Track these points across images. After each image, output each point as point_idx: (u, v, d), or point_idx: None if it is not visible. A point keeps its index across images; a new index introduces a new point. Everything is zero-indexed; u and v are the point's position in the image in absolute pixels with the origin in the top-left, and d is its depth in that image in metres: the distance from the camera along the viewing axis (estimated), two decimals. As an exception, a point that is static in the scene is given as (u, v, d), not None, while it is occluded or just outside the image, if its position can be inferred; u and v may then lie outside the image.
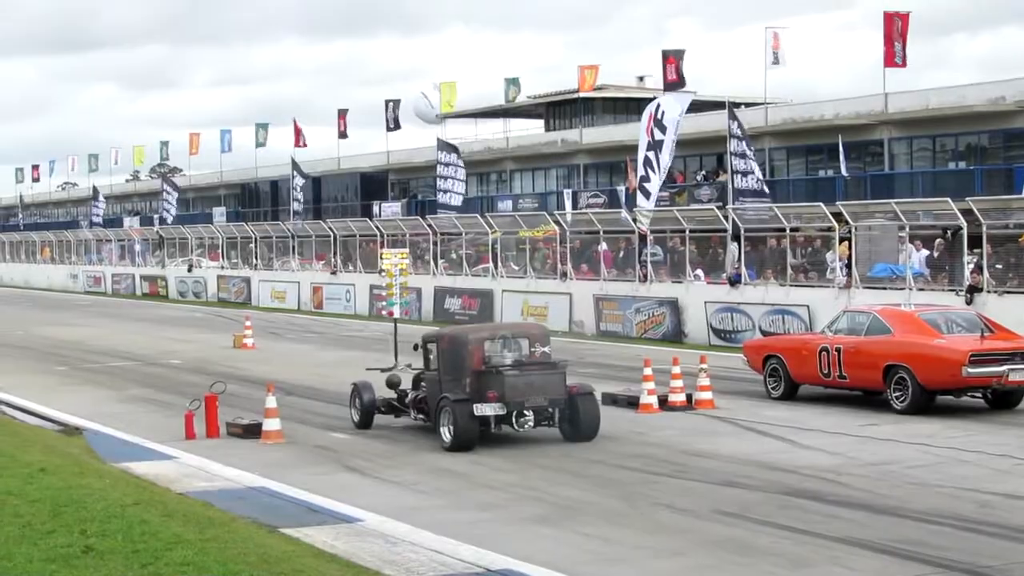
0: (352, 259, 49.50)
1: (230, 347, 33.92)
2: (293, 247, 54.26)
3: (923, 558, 11.21)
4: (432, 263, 44.54)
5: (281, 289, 52.92)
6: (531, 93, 71.00)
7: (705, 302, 32.97)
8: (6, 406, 22.62)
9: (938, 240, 28.97)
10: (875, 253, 30.13)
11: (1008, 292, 26.44)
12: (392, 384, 19.43)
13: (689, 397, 20.96)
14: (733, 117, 34.36)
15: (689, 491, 14.49)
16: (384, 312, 26.24)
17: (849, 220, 29.93)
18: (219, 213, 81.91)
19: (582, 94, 63.92)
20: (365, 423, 19.52)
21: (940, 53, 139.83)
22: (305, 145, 72.41)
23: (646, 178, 35.74)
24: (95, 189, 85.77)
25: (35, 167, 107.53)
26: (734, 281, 32.57)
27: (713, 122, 47.48)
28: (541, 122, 71.83)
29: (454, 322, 37.89)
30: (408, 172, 73.61)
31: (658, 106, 35.81)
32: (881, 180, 47.72)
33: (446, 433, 17.44)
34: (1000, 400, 20.25)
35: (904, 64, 44.71)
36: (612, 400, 21.14)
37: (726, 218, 33.98)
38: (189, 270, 61.96)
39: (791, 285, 31.17)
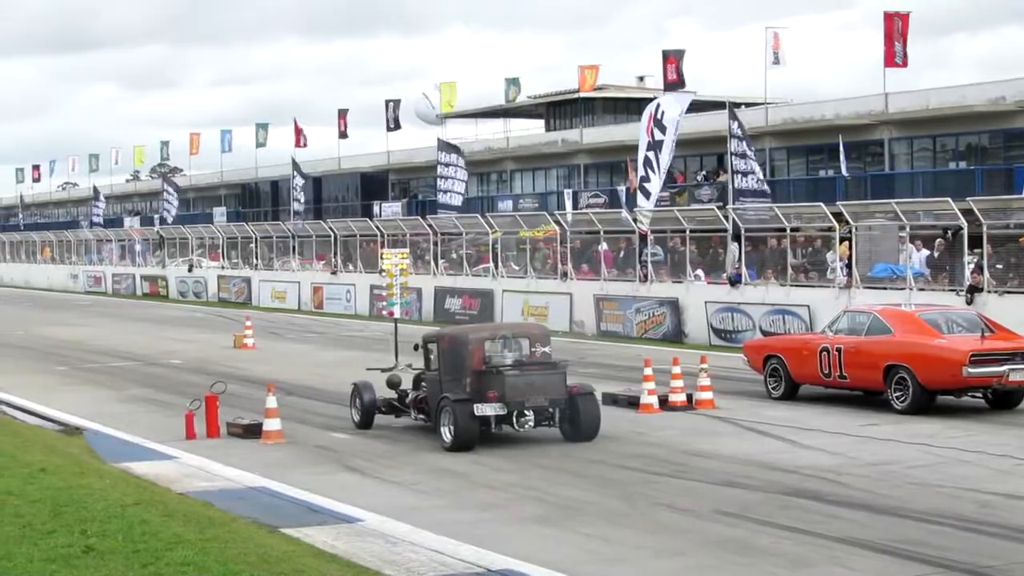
0: (352, 259, 49.50)
1: (230, 347, 33.92)
2: (293, 247, 54.27)
3: (924, 558, 11.21)
4: (432, 263, 44.55)
5: (281, 289, 52.93)
6: (531, 93, 71.07)
7: (705, 302, 32.97)
8: (6, 406, 22.62)
9: (938, 240, 28.97)
10: (875, 253, 30.13)
11: (1008, 292, 26.44)
12: (392, 384, 19.42)
13: (689, 397, 20.96)
14: (733, 117, 34.37)
15: (689, 491, 14.48)
16: (384, 312, 26.23)
17: (849, 220, 29.93)
18: (219, 213, 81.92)
19: (582, 94, 63.91)
20: (365, 423, 19.52)
21: (940, 53, 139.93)
22: (305, 145, 72.49)
23: (646, 178, 35.77)
24: (95, 189, 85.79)
25: (35, 167, 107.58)
26: (734, 281, 32.57)
27: (713, 122, 47.47)
28: (541, 122, 71.83)
29: (454, 322, 37.88)
30: (408, 172, 73.62)
31: (658, 106, 35.84)
32: (881, 180, 47.72)
33: (446, 433, 17.44)
34: (1000, 400, 20.24)
35: (905, 64, 44.71)
36: (612, 400, 21.14)
37: (726, 218, 33.98)
38: (189, 270, 61.96)
39: (791, 285, 31.17)
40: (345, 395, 20.49)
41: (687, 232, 34.84)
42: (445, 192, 47.76)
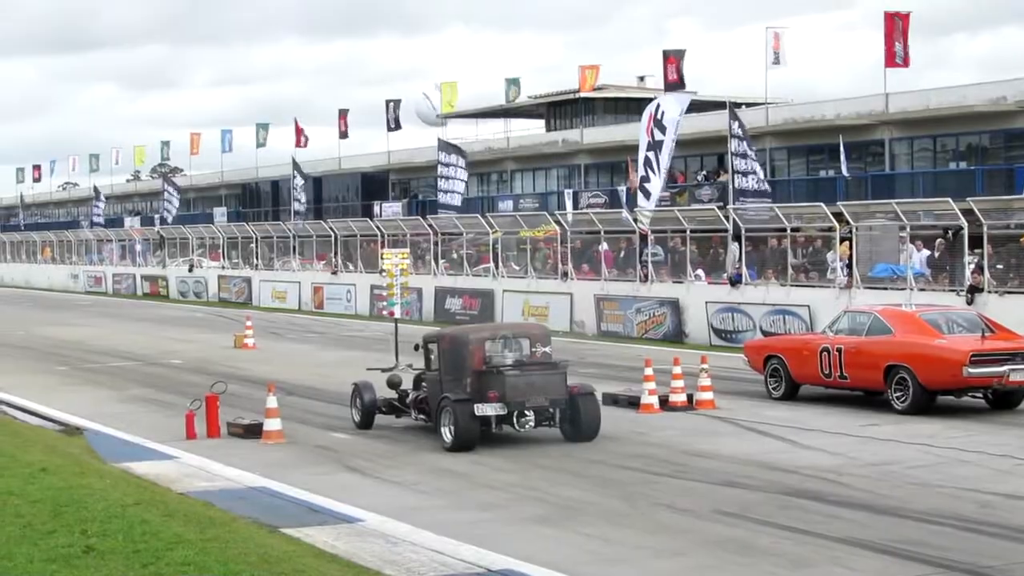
0: (353, 259, 49.50)
1: (231, 347, 33.92)
2: (294, 247, 54.28)
3: (924, 558, 11.21)
4: (433, 263, 44.55)
5: (282, 289, 52.93)
6: (532, 93, 71.09)
7: (706, 302, 32.97)
8: (7, 406, 22.63)
9: (939, 240, 28.97)
10: (876, 253, 30.13)
11: (1009, 292, 26.44)
12: (393, 384, 19.42)
13: (690, 397, 20.96)
14: (734, 117, 34.37)
15: (690, 491, 14.49)
16: (385, 312, 26.23)
17: (850, 220, 29.93)
18: (220, 213, 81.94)
19: (583, 94, 63.92)
20: (366, 423, 19.52)
21: (940, 53, 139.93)
22: (306, 145, 72.50)
23: (646, 178, 35.80)
24: (96, 189, 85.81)
25: (36, 167, 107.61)
26: (735, 281, 32.57)
27: (714, 122, 47.49)
28: (542, 122, 71.84)
29: (455, 322, 37.88)
30: (409, 172, 73.64)
31: (658, 106, 35.86)
32: (882, 180, 47.73)
33: (447, 433, 17.44)
34: (1001, 400, 20.24)
35: (906, 64, 44.70)
36: (613, 400, 21.14)
37: (727, 218, 33.97)
38: (190, 270, 61.97)
39: (792, 285, 31.17)
40: (345, 395, 20.50)
41: (687, 232, 34.84)
42: (445, 192, 47.79)
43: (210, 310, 52.13)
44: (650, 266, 35.65)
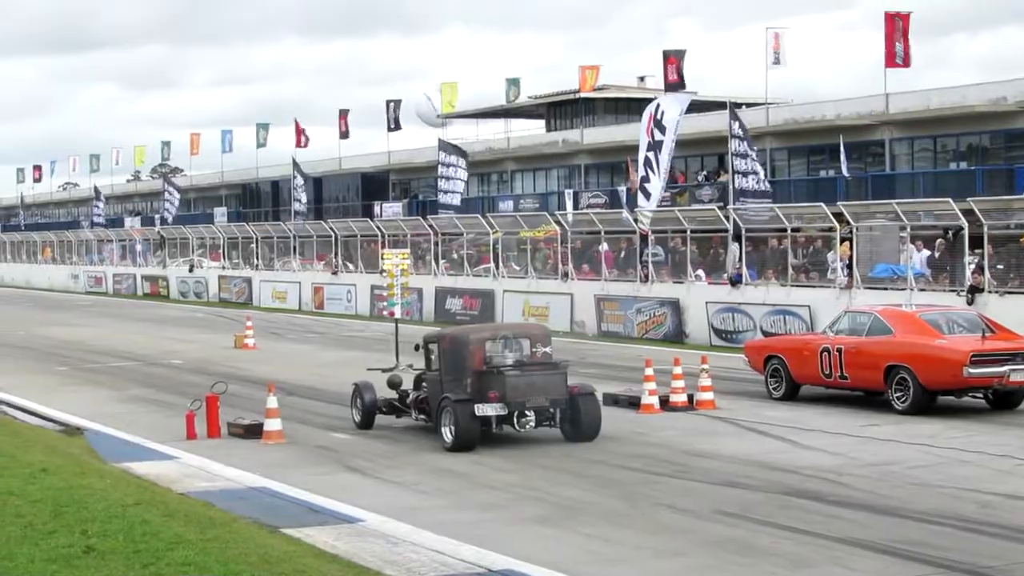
0: (353, 259, 49.50)
1: (231, 347, 33.93)
2: (294, 247, 54.28)
3: (924, 558, 11.21)
4: (433, 263, 44.55)
5: (282, 289, 52.93)
6: (532, 93, 71.11)
7: (706, 302, 32.97)
8: (7, 406, 22.63)
9: (939, 240, 28.97)
10: (876, 253, 30.13)
11: (1009, 292, 26.44)
12: (393, 384, 19.42)
13: (690, 397, 20.96)
14: (734, 117, 34.37)
15: (690, 491, 14.49)
16: (385, 312, 26.23)
17: (850, 220, 29.93)
18: (220, 213, 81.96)
19: (583, 94, 63.91)
20: (366, 423, 19.53)
21: (941, 53, 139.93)
22: (307, 145, 72.49)
23: (646, 178, 35.82)
24: (96, 189, 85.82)
25: (36, 167, 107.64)
26: (735, 281, 32.57)
27: (714, 122, 47.50)
28: (542, 122, 71.85)
29: (455, 322, 37.89)
30: (409, 172, 73.64)
31: (658, 106, 35.90)
32: (882, 180, 47.73)
33: (447, 433, 17.44)
34: (1001, 400, 20.24)
35: (907, 64, 44.70)
36: (613, 400, 21.14)
37: (727, 218, 33.97)
38: (190, 270, 61.97)
39: (792, 285, 31.17)
40: (346, 395, 20.50)
41: (688, 232, 34.84)
42: (446, 192, 47.84)
43: (210, 310, 52.14)
44: (650, 266, 35.65)
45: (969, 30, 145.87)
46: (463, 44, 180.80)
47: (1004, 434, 18.06)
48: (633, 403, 20.93)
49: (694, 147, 53.29)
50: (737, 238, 33.47)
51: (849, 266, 29.69)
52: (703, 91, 55.50)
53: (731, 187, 34.41)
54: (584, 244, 39.25)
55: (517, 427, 17.58)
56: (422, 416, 18.98)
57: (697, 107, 48.95)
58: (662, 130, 35.25)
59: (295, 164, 60.49)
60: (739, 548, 11.76)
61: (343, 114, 71.82)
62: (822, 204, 32.53)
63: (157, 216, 78.21)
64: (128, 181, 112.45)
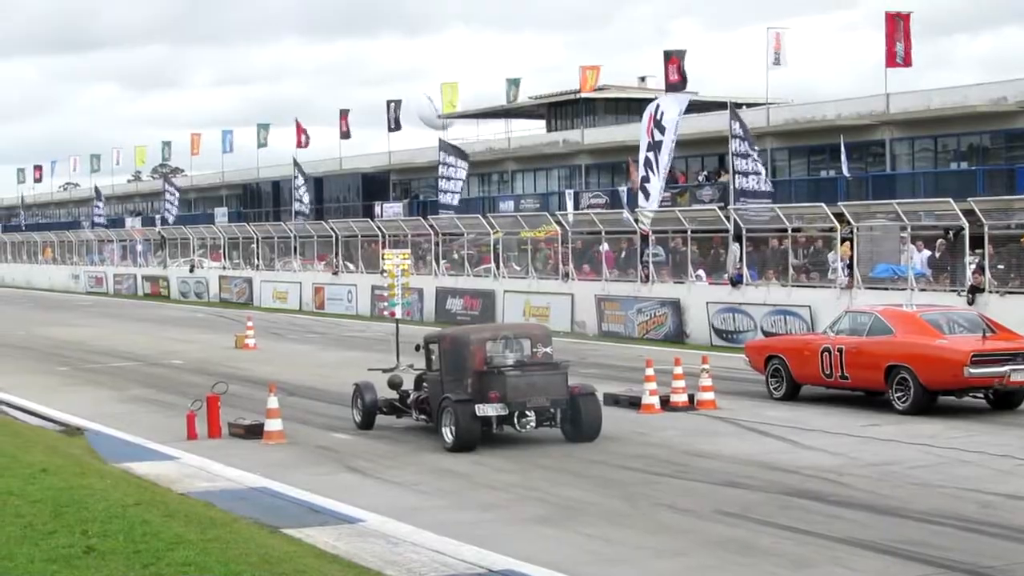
0: (354, 259, 49.51)
1: (232, 347, 33.93)
2: (295, 247, 54.29)
3: (925, 559, 11.21)
4: (434, 263, 44.55)
5: (283, 289, 52.94)
6: (532, 93, 71.12)
7: (707, 302, 32.97)
8: (7, 406, 22.63)
9: (940, 240, 28.96)
10: (877, 253, 30.12)
11: (1010, 292, 26.44)
12: (394, 385, 19.42)
13: (691, 397, 20.95)
14: (735, 117, 34.38)
15: (691, 491, 14.48)
16: (386, 312, 26.24)
17: (851, 220, 29.92)
18: (221, 213, 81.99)
19: (583, 94, 63.93)
20: (367, 424, 19.52)
21: (941, 53, 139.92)
22: (307, 145, 72.49)
23: (646, 179, 35.84)
24: (97, 189, 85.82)
25: (37, 167, 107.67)
26: (736, 281, 32.56)
27: (715, 122, 47.50)
28: (543, 122, 71.88)
29: (456, 323, 37.89)
30: (410, 172, 73.65)
31: (657, 107, 35.96)
32: (883, 180, 47.73)
33: (448, 433, 17.44)
34: (1002, 400, 20.23)
35: (908, 63, 44.69)
36: (614, 400, 21.14)
37: (728, 218, 33.97)
38: (191, 270, 61.98)
39: (793, 285, 31.17)
40: (346, 396, 20.50)
41: (688, 232, 34.84)
42: (446, 192, 47.89)
43: (211, 310, 52.14)
44: (651, 266, 35.64)
45: (970, 30, 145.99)
46: (464, 44, 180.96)
47: (1005, 434, 18.05)
48: (634, 403, 20.93)
49: (695, 147, 53.29)
50: (738, 238, 33.47)
51: (850, 266, 29.69)
52: (704, 91, 55.56)
53: (731, 187, 34.42)
54: (585, 244, 39.25)
55: (518, 427, 17.57)
56: (423, 416, 18.98)
57: (698, 107, 49.00)
58: (662, 130, 35.27)
59: (296, 164, 60.50)
60: (740, 548, 11.76)
61: (343, 114, 71.87)
62: (823, 204, 32.53)
63: (158, 216, 78.22)
64: (129, 181, 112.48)
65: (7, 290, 76.30)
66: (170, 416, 20.98)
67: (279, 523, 12.74)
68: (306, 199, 58.92)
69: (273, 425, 18.57)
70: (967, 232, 27.29)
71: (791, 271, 31.43)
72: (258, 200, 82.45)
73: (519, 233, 41.38)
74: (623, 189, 51.50)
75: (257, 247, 57.28)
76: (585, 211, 47.71)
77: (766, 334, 29.81)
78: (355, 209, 68.70)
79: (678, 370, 21.16)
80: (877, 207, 32.91)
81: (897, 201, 30.89)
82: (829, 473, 15.31)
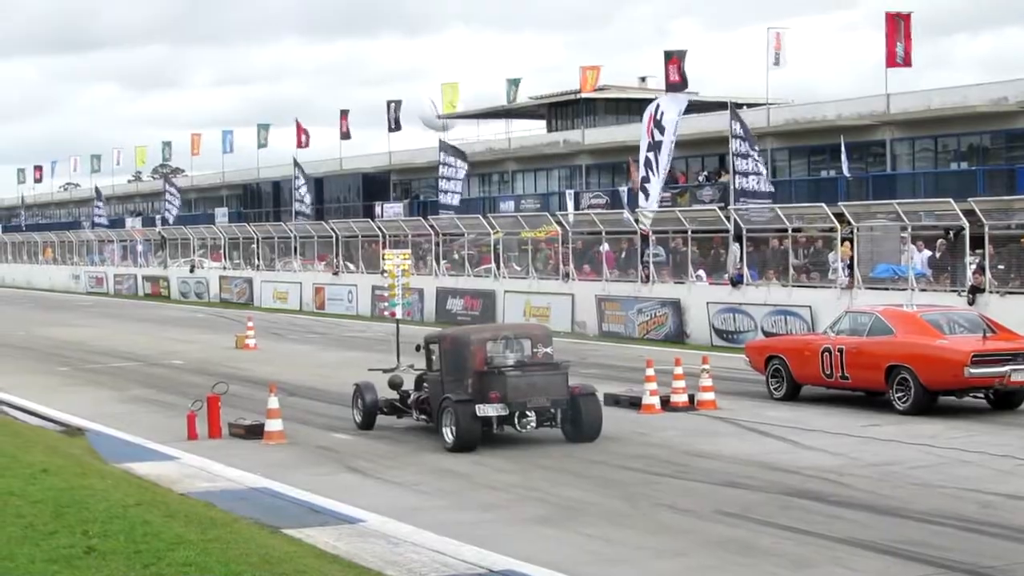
0: (354, 260, 49.51)
1: (232, 348, 33.93)
2: (295, 248, 54.29)
3: (925, 559, 11.21)
4: (434, 264, 44.55)
5: (283, 290, 52.94)
6: (533, 94, 71.12)
7: (707, 303, 32.97)
8: (8, 406, 22.63)
9: (940, 241, 28.97)
10: (877, 254, 30.13)
11: (1010, 293, 26.44)
12: (394, 385, 19.42)
13: (691, 398, 20.95)
14: (735, 117, 34.38)
15: (691, 492, 14.49)
16: (386, 313, 26.23)
17: (851, 220, 29.92)
18: (221, 213, 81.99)
19: (584, 95, 63.93)
20: (367, 424, 19.52)
21: (942, 53, 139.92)
22: (307, 145, 72.48)
23: (647, 179, 35.86)
24: (97, 190, 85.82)
25: (37, 168, 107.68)
26: (736, 282, 32.56)
27: (715, 123, 47.50)
28: (543, 123, 71.87)
29: (456, 323, 37.89)
30: (410, 173, 73.65)
31: (657, 107, 35.97)
32: (883, 180, 47.73)
33: (448, 434, 17.44)
34: (1002, 401, 20.24)
35: (908, 63, 44.69)
36: (614, 401, 21.14)
37: (728, 218, 33.97)
38: (191, 271, 61.99)
39: (793, 286, 31.17)
40: (347, 396, 20.50)
41: (689, 233, 34.85)
42: (446, 192, 47.92)
43: (211, 311, 52.14)
44: (651, 267, 35.64)
45: (970, 30, 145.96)
46: (464, 44, 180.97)
47: (1005, 434, 18.05)
48: (634, 403, 20.93)
49: (695, 147, 53.30)
50: (738, 238, 33.48)
51: (850, 266, 29.69)
52: (704, 91, 55.60)
53: (732, 187, 34.42)
54: (585, 244, 39.26)
55: (518, 427, 17.58)
56: (423, 416, 18.98)
57: (698, 107, 49.02)
58: (661, 130, 35.29)
59: (296, 164, 60.50)
60: (740, 548, 11.76)
61: (344, 115, 71.86)
62: (823, 204, 32.53)
63: (158, 216, 78.23)
64: (129, 181, 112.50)
65: (7, 290, 76.32)
66: (170, 416, 20.99)
67: (279, 523, 12.74)
68: (307, 199, 58.92)
69: (273, 425, 18.57)
70: (967, 232, 27.29)
71: (791, 271, 31.44)
72: (258, 200, 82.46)
73: (519, 233, 41.39)
74: (623, 189, 51.50)
75: (257, 247, 57.28)
76: (585, 211, 47.72)
77: (766, 334, 29.81)
78: (355, 209, 68.70)
79: (678, 370, 21.17)
80: (877, 207, 32.91)
81: (897, 201, 30.90)
82: (829, 473, 15.31)
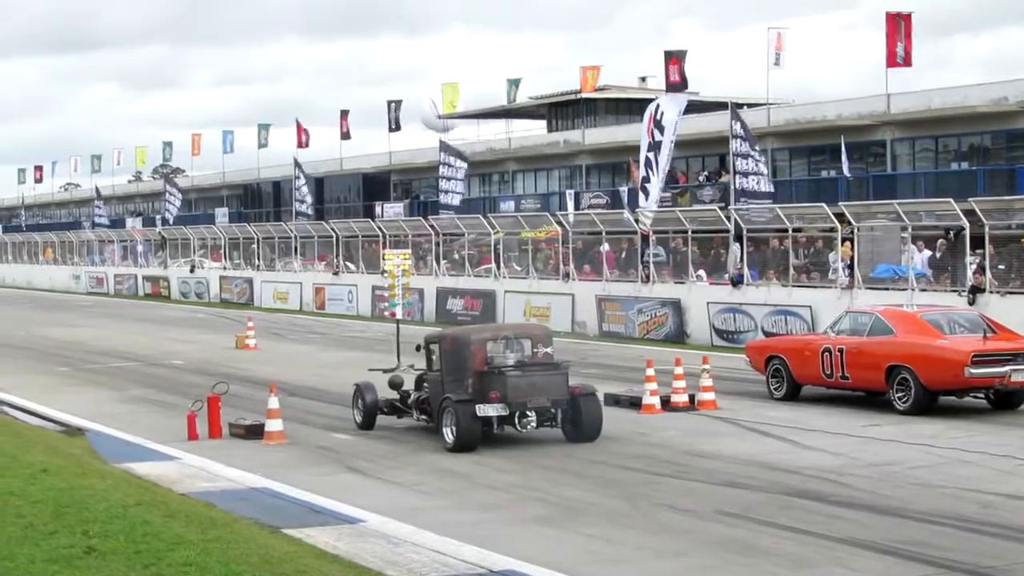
0: (354, 260, 49.51)
1: (232, 348, 33.93)
2: (295, 248, 54.29)
3: (925, 559, 11.21)
4: (434, 264, 44.56)
5: (283, 290, 52.94)
6: (533, 94, 71.11)
7: (707, 303, 32.97)
8: (8, 406, 22.63)
9: (940, 241, 28.96)
10: (877, 254, 30.13)
11: (1010, 293, 26.44)
12: (394, 385, 19.42)
13: (691, 398, 20.95)
14: (736, 117, 34.39)
15: (691, 492, 14.48)
16: (386, 313, 26.24)
17: (851, 220, 29.92)
18: (221, 214, 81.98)
19: (584, 95, 63.91)
20: (367, 424, 19.52)
21: (942, 54, 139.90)
22: (307, 145, 72.48)
23: (647, 178, 35.87)
24: (97, 190, 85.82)
25: (38, 168, 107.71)
26: (736, 282, 32.56)
27: (715, 123, 47.49)
28: (543, 123, 71.86)
29: (456, 323, 37.89)
30: (410, 173, 73.64)
31: (657, 107, 35.99)
32: (883, 180, 47.72)
33: (448, 434, 17.44)
34: (1002, 401, 20.23)
35: (908, 64, 44.68)
36: (614, 401, 21.14)
37: (728, 218, 33.97)
38: (192, 271, 61.99)
39: (793, 286, 31.17)
40: (347, 396, 20.50)
41: (689, 233, 34.85)
42: (446, 192, 47.93)
43: (212, 311, 52.15)
44: (651, 267, 35.64)
45: (970, 30, 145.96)
46: (464, 44, 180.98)
47: (1005, 434, 18.05)
48: (634, 403, 20.93)
49: (695, 147, 53.29)
50: (738, 238, 33.48)
51: (850, 266, 29.69)
52: (704, 91, 55.57)
53: (732, 187, 34.43)
54: (585, 244, 39.26)
55: (518, 427, 17.57)
56: (423, 417, 18.98)
57: (698, 107, 49.01)
58: (661, 130, 35.30)
59: (297, 164, 60.50)
60: (740, 548, 11.76)
61: (344, 115, 71.86)
62: (823, 204, 32.52)
63: (158, 216, 78.23)
64: (129, 182, 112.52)
65: (8, 290, 76.33)
66: (171, 416, 20.99)
67: (280, 523, 12.74)
68: (309, 199, 58.92)
69: (274, 425, 18.57)
70: (968, 232, 27.28)
71: (792, 271, 31.44)
72: (259, 200, 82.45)
73: (520, 233, 41.39)
74: (624, 189, 51.48)
75: (258, 247, 57.28)
76: (586, 211, 47.72)
77: (767, 334, 29.82)
78: (356, 209, 68.67)
79: (679, 370, 21.17)
80: (878, 207, 32.91)
81: (898, 201, 30.90)
82: (830, 473, 15.31)
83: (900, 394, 19.96)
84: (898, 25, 44.25)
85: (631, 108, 62.47)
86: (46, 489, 13.11)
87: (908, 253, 28.67)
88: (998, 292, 26.44)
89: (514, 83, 66.37)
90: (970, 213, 27.05)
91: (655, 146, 35.42)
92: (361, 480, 15.80)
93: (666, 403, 20.79)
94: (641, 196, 36.29)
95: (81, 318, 48.66)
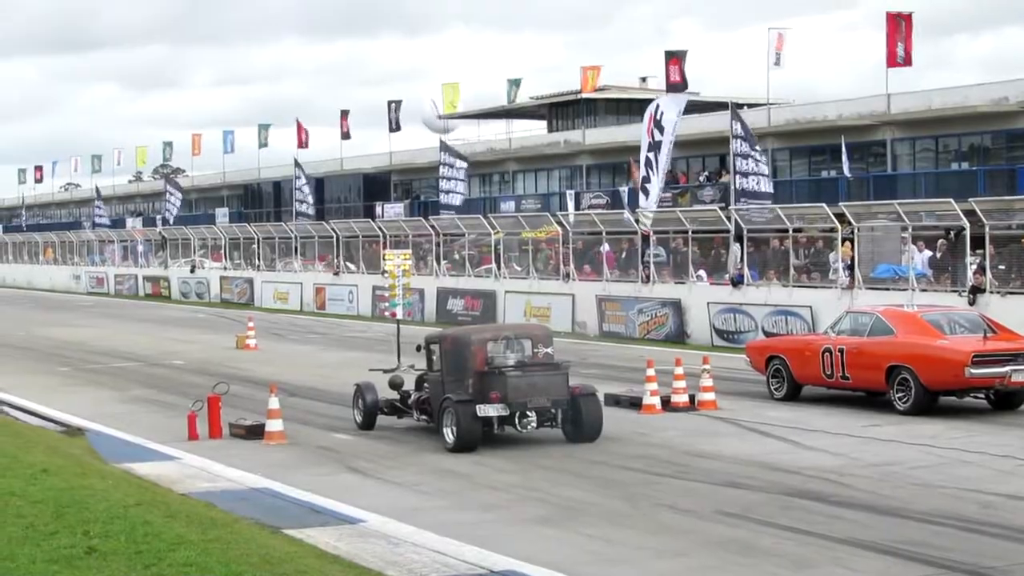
0: (355, 260, 49.51)
1: (233, 348, 33.94)
2: (296, 248, 54.29)
3: (926, 559, 11.21)
4: (435, 264, 44.56)
5: (284, 290, 52.94)
6: (533, 94, 71.13)
7: (708, 303, 32.97)
8: (8, 407, 22.63)
9: (941, 241, 28.96)
10: (878, 254, 30.13)
11: (1011, 293, 26.44)
12: (395, 385, 19.42)
13: (692, 398, 20.95)
14: (736, 117, 34.39)
15: (691, 492, 14.49)
16: (387, 313, 26.23)
17: (852, 221, 29.92)
18: (222, 214, 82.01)
19: (584, 95, 63.93)
20: (368, 424, 19.52)
21: (942, 54, 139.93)
22: (307, 145, 72.48)
23: (647, 179, 35.87)
24: (97, 190, 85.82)
25: (38, 168, 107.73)
26: (737, 282, 32.56)
27: (716, 123, 47.51)
28: (544, 123, 71.88)
29: (457, 323, 37.89)
30: (411, 173, 73.66)
31: (657, 107, 36.01)
32: (884, 181, 47.73)
33: (449, 434, 17.44)
34: (1003, 401, 20.23)
35: (909, 63, 44.69)
36: (615, 401, 21.14)
37: (728, 219, 33.97)
38: (192, 271, 62.00)
39: (794, 286, 31.17)
40: (347, 396, 20.50)
41: (689, 233, 34.85)
42: (447, 192, 47.94)
43: (212, 311, 52.15)
44: (652, 267, 35.64)
45: (971, 30, 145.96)
46: (464, 44, 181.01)
47: (1006, 434, 18.05)
48: (634, 404, 20.93)
49: (696, 148, 53.30)
50: (739, 238, 33.48)
51: (851, 266, 29.69)
52: (705, 92, 55.60)
53: (732, 187, 34.43)
54: (586, 245, 39.26)
55: (519, 428, 17.57)
56: (424, 417, 18.98)
57: (699, 107, 49.03)
58: (661, 130, 35.32)
59: (297, 164, 60.50)
60: (741, 549, 11.76)
61: (344, 115, 71.87)
62: (823, 204, 32.52)
63: (159, 216, 78.24)
64: (130, 182, 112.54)
65: (8, 290, 76.33)
66: (171, 416, 20.99)
67: (280, 523, 12.75)
68: (309, 199, 58.92)
69: (274, 426, 18.57)
70: (968, 232, 27.28)
71: (792, 271, 31.43)
72: (259, 200, 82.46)
73: (520, 233, 41.39)
74: (624, 189, 51.51)
75: (258, 247, 57.28)
76: (586, 211, 47.73)
77: (767, 334, 29.82)
78: (356, 210, 68.69)
79: (679, 370, 21.17)
80: (878, 207, 32.91)
81: (898, 201, 30.90)
82: (830, 473, 15.31)
83: (900, 394, 19.96)
84: (898, 25, 44.26)
85: (631, 108, 62.48)
86: (47, 489, 13.12)
87: (908, 253, 28.67)
88: (998, 292, 26.44)
89: (514, 83, 66.39)
90: (970, 213, 27.05)
91: (655, 146, 35.44)
92: (361, 480, 15.80)
93: (666, 403, 20.79)
94: (641, 196, 36.30)
95: (81, 318, 48.66)
